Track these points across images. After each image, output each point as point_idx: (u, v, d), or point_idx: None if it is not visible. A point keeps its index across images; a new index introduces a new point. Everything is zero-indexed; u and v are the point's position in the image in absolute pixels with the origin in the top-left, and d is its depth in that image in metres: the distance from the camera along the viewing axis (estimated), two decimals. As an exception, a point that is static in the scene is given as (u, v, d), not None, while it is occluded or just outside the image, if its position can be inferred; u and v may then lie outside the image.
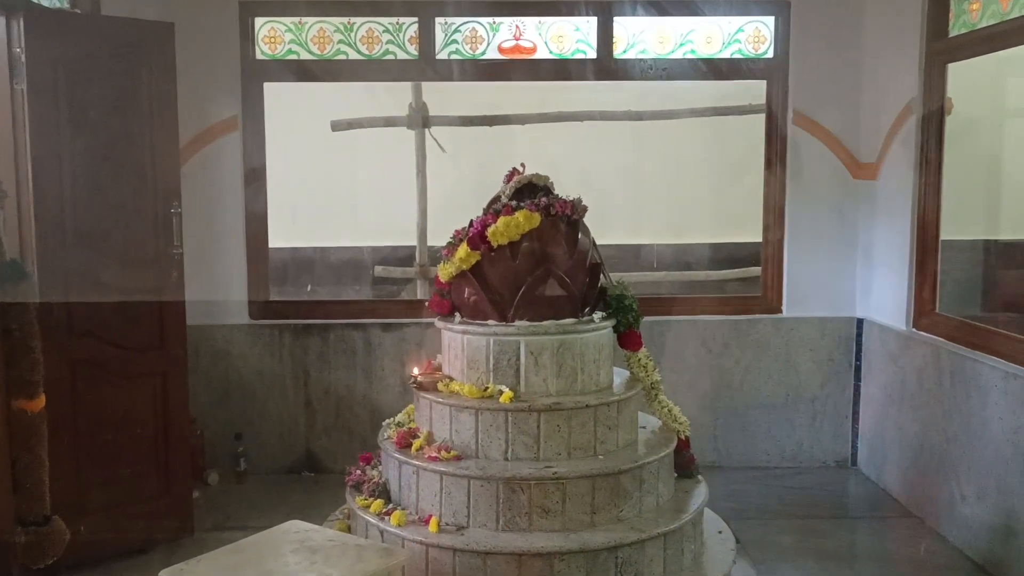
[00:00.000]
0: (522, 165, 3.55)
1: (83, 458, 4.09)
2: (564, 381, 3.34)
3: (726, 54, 5.69)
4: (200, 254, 5.31)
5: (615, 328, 3.58)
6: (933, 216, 5.06)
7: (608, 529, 3.14)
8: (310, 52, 5.60)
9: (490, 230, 3.30)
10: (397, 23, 5.59)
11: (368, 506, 3.36)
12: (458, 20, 5.59)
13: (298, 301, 6.14)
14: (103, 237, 4.28)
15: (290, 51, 5.60)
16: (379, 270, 7.11)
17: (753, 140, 5.88)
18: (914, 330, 5.13)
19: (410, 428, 3.53)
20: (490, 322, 3.40)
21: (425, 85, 6.37)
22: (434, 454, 3.25)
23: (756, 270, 6.68)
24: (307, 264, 7.22)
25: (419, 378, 3.48)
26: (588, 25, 5.63)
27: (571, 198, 3.48)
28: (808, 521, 4.98)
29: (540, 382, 3.32)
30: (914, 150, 5.11)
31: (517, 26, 5.61)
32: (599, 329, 3.45)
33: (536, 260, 3.34)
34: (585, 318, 3.49)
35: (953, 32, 4.90)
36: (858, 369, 5.75)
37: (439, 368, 3.67)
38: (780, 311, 5.78)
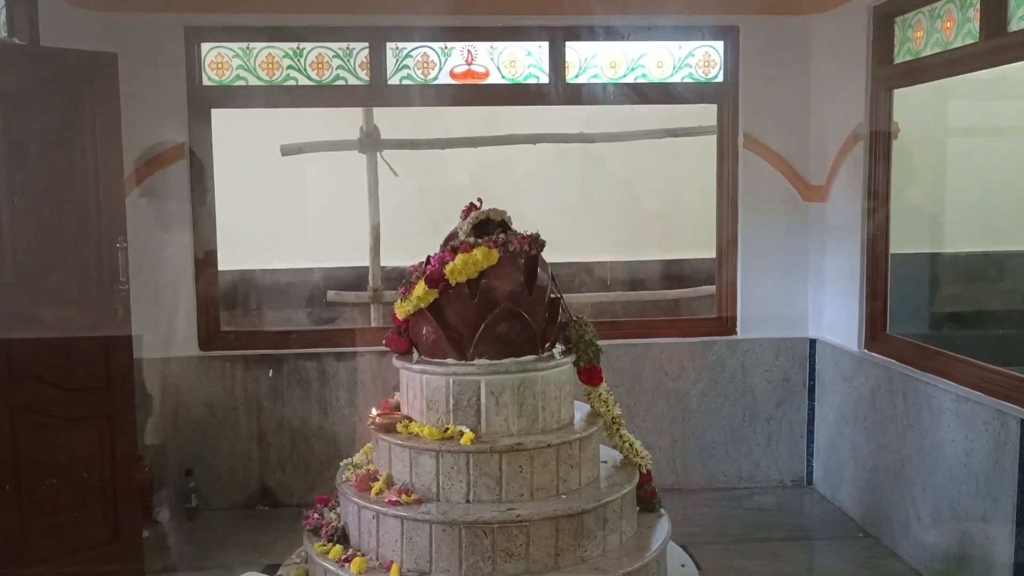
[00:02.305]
0: (479, 200, 3.51)
1: (25, 507, 3.93)
2: (525, 420, 3.30)
3: (677, 78, 5.72)
4: (147, 285, 5.17)
5: (575, 363, 3.55)
6: (882, 238, 5.14)
7: (572, 571, 3.10)
8: (259, 78, 5.50)
9: (448, 268, 3.25)
10: (347, 48, 5.52)
11: (327, 552, 3.27)
12: (409, 45, 5.55)
13: (250, 331, 6.02)
14: (45, 274, 4.13)
15: (238, 77, 5.50)
16: (332, 295, 7.00)
17: (705, 161, 5.92)
18: (866, 351, 5.19)
19: (369, 470, 3.45)
20: (449, 361, 3.34)
21: (377, 109, 6.29)
22: (394, 498, 3.18)
23: (709, 289, 6.74)
24: (257, 288, 7.09)
25: (378, 419, 3.40)
26: (540, 50, 5.63)
27: (529, 233, 3.45)
28: (768, 544, 5.00)
29: (501, 422, 3.27)
30: (862, 173, 5.18)
31: (469, 51, 5.58)
32: (560, 366, 3.41)
33: (495, 298, 3.29)
34: (545, 355, 3.46)
35: (898, 59, 4.98)
36: (812, 389, 5.81)
37: (397, 407, 3.60)
38: (735, 332, 5.81)
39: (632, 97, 5.72)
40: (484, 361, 3.30)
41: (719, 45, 5.71)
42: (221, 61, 5.49)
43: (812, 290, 5.78)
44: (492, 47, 5.60)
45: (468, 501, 3.17)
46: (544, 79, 5.64)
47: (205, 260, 5.52)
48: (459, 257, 3.27)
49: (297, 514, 5.26)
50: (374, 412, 3.48)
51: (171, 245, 5.42)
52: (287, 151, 6.48)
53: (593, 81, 5.66)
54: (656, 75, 5.71)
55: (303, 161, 6.57)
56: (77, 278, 4.23)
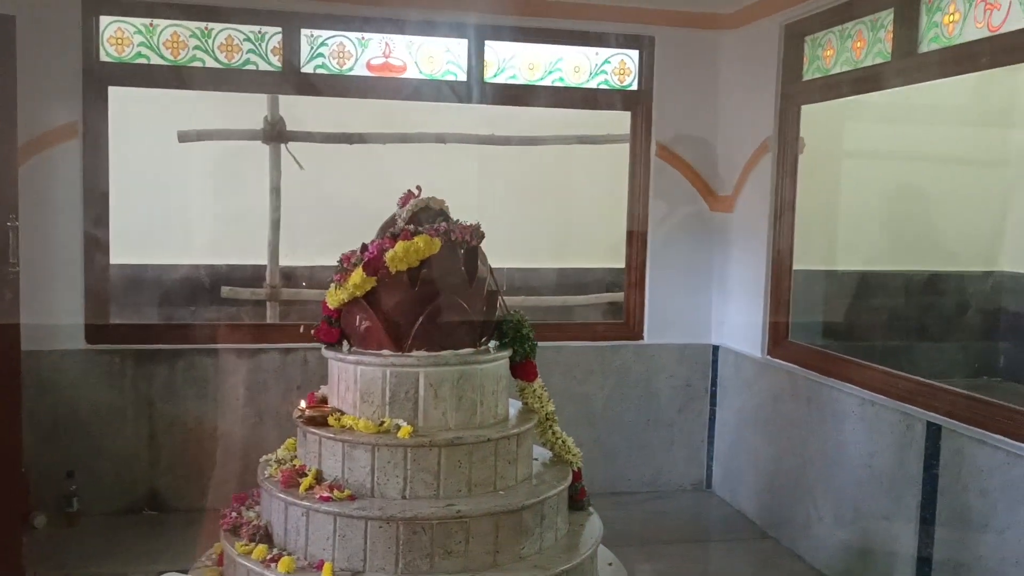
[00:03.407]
0: (418, 188, 3.41)
1: None
2: (464, 414, 3.21)
3: (593, 84, 5.77)
4: (30, 272, 4.77)
5: (511, 358, 3.48)
6: (787, 249, 5.31)
7: (511, 569, 3.02)
8: (162, 57, 5.20)
9: (388, 255, 3.13)
10: (259, 32, 5.29)
11: (250, 552, 3.08)
12: (325, 33, 5.37)
13: (143, 325, 5.66)
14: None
15: (139, 54, 5.19)
16: (226, 291, 6.68)
17: (615, 169, 5.98)
18: (769, 357, 5.35)
19: (295, 466, 3.28)
20: (384, 352, 3.21)
21: (282, 99, 6.07)
22: (326, 494, 3.03)
23: (608, 296, 6.82)
24: (143, 283, 6.68)
25: (307, 412, 3.24)
26: (459, 47, 5.56)
27: (470, 223, 3.37)
28: (672, 546, 5.06)
29: (439, 415, 3.17)
30: (769, 186, 5.35)
31: (387, 43, 5.46)
32: (498, 359, 3.34)
33: (435, 288, 3.20)
34: (483, 348, 3.38)
35: (807, 76, 5.18)
36: (713, 394, 5.94)
37: (324, 401, 3.44)
38: (642, 338, 5.88)
39: (548, 100, 5.73)
40: (422, 353, 3.19)
41: (634, 54, 5.79)
42: (121, 36, 5.17)
43: (716, 297, 5.92)
44: (411, 41, 5.49)
45: (404, 497, 3.05)
46: (462, 76, 5.57)
47: (95, 248, 5.16)
48: (399, 244, 3.16)
49: (187, 520, 5.04)
50: (303, 404, 3.31)
51: (58, 230, 5.04)
52: (185, 137, 6.16)
53: (511, 82, 5.64)
54: (573, 80, 5.74)
55: (201, 150, 6.26)
56: (-40, 257, 3.86)
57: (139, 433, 5.22)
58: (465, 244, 3.31)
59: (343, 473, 3.11)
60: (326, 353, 3.36)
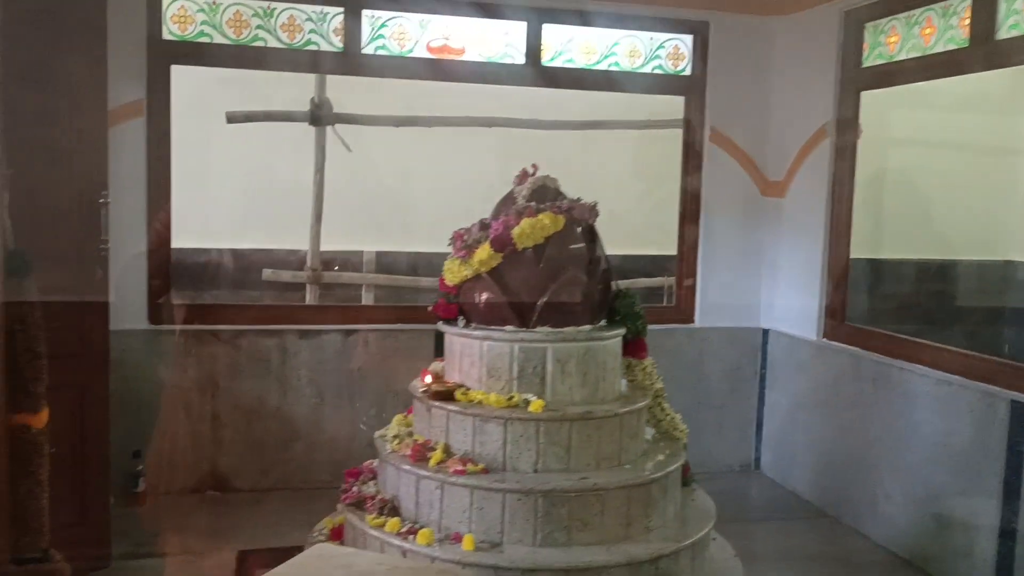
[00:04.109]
0: (533, 166, 3.43)
1: None
2: (588, 390, 3.25)
3: (647, 69, 5.80)
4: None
5: (623, 336, 3.52)
6: (844, 234, 5.39)
7: (644, 540, 3.07)
8: (225, 36, 5.16)
9: (516, 232, 3.15)
10: (321, 12, 5.27)
11: (382, 525, 3.10)
12: (386, 14, 5.36)
13: (206, 305, 5.62)
14: (19, 230, 3.70)
15: (202, 33, 5.15)
16: (268, 273, 6.65)
17: (655, 156, 6.01)
18: (826, 340, 5.43)
19: (415, 441, 3.29)
20: (508, 328, 3.24)
21: (334, 81, 6.04)
22: (459, 467, 3.05)
23: (646, 281, 6.83)
24: (188, 266, 6.61)
25: (433, 387, 3.25)
26: (518, 30, 5.57)
27: (588, 201, 3.39)
28: (731, 525, 5.10)
29: (566, 391, 3.21)
30: (827, 172, 5.42)
31: (447, 25, 5.45)
32: (616, 336, 3.38)
33: (560, 264, 3.23)
34: (600, 325, 3.41)
35: (867, 63, 5.25)
36: (763, 377, 6.02)
37: (438, 376, 3.46)
38: (693, 321, 5.94)
39: (604, 85, 5.75)
40: (547, 329, 3.22)
41: (688, 39, 5.84)
42: (184, 14, 5.12)
43: (765, 282, 5.99)
44: (470, 23, 5.49)
45: (536, 471, 3.09)
46: (520, 59, 5.58)
47: (159, 229, 5.13)
48: (525, 221, 3.18)
49: (249, 499, 5.05)
50: (428, 379, 3.33)
51: (122, 207, 4.98)
52: (233, 118, 6.12)
53: (568, 66, 5.66)
54: (628, 64, 5.77)
55: (251, 131, 6.22)
56: (54, 234, 3.81)
57: (203, 413, 5.20)
58: (583, 222, 3.34)
59: (473, 447, 3.13)
60: (447, 329, 3.38)
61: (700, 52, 5.83)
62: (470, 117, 6.43)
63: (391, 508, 3.19)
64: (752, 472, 6.05)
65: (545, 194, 3.34)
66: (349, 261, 7.04)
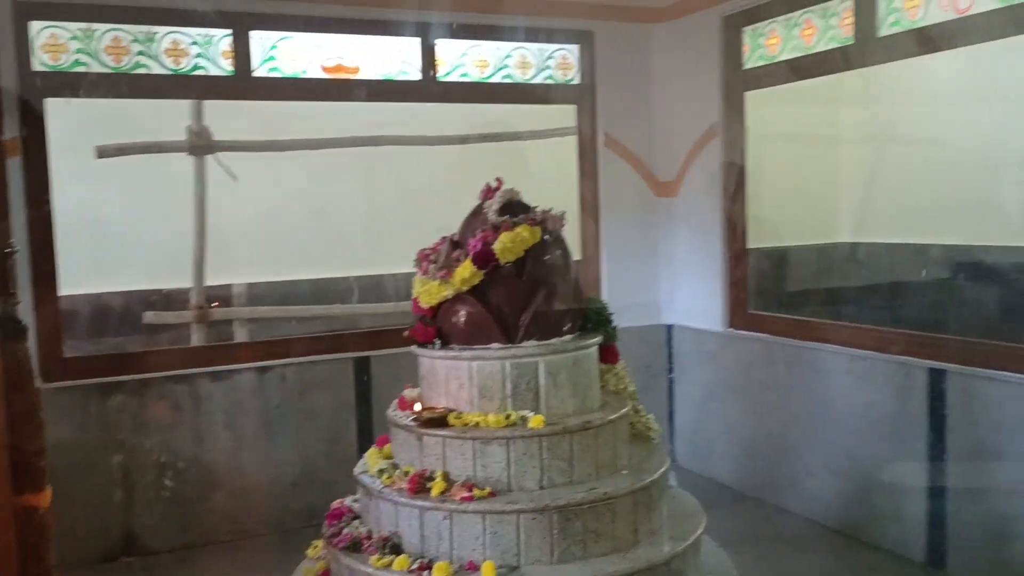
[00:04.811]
0: (497, 180, 3.39)
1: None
2: (578, 400, 3.23)
3: (539, 79, 5.87)
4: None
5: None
6: (740, 227, 5.66)
7: (654, 543, 3.09)
8: (103, 64, 4.79)
9: (497, 247, 3.10)
10: (207, 35, 4.99)
11: (389, 565, 2.95)
12: (275, 35, 5.15)
13: (104, 355, 5.16)
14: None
15: (78, 62, 4.76)
16: (150, 316, 6.21)
17: (567, 162, 6.10)
18: (732, 330, 5.68)
19: (408, 472, 3.16)
20: (495, 345, 3.18)
21: (214, 107, 5.74)
22: (466, 494, 2.96)
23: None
24: (84, 315, 6.06)
25: (424, 415, 3.14)
26: (411, 46, 5.49)
27: (555, 211, 3.39)
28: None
29: (559, 403, 3.18)
30: (719, 169, 5.67)
31: (341, 44, 5.30)
32: (596, 343, 3.39)
33: (541, 276, 3.20)
34: (580, 334, 3.41)
35: (748, 64, 5.54)
36: (671, 372, 6.21)
37: (416, 402, 3.35)
38: (603, 324, 6.04)
39: (499, 97, 5.77)
40: (533, 343, 3.18)
41: (575, 48, 5.95)
42: (56, 43, 4.72)
43: (665, 279, 6.19)
44: (363, 41, 5.37)
45: (542, 487, 3.04)
46: (415, 75, 5.50)
47: (42, 278, 4.69)
48: (505, 235, 3.13)
49: (171, 561, 4.70)
50: (417, 407, 3.21)
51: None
52: (104, 152, 5.68)
53: (463, 80, 5.64)
54: (520, 76, 5.82)
55: (122, 165, 5.78)
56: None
57: (109, 472, 4.78)
58: (555, 232, 3.33)
59: (475, 471, 3.04)
60: (428, 353, 3.26)
61: (587, 61, 5.96)
62: (356, 137, 6.26)
63: (393, 546, 3.05)
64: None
65: (514, 207, 3.31)
66: (219, 295, 6.60)
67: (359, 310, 6.49)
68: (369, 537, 3.11)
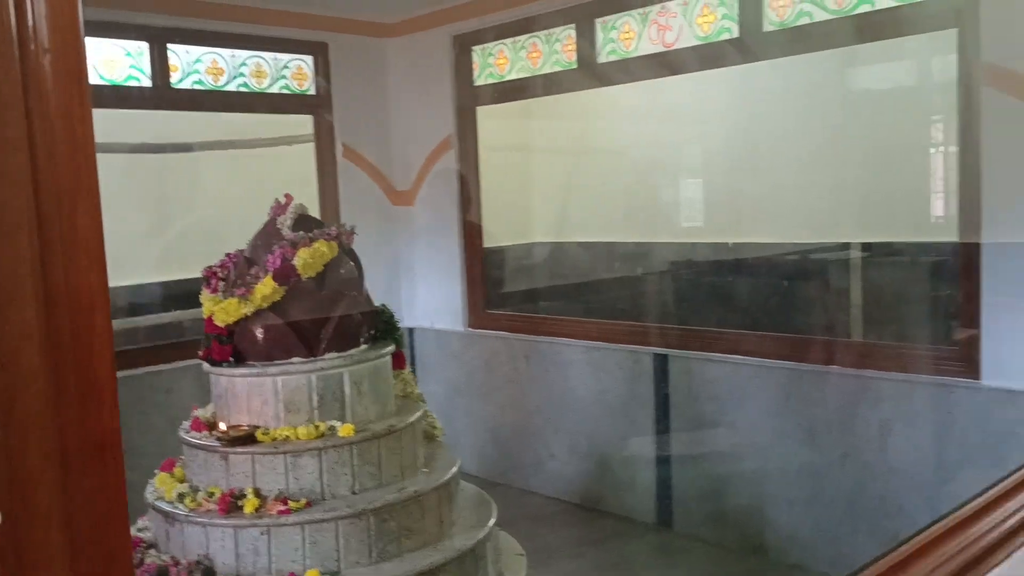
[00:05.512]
0: (286, 196, 3.43)
1: None
2: (380, 406, 3.38)
3: (275, 88, 5.85)
4: None
5: (387, 349, 3.69)
6: (477, 233, 6.06)
7: (458, 533, 3.32)
8: None
9: (299, 263, 3.17)
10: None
11: (207, 589, 2.91)
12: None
13: None
14: None
15: None
16: None
17: (304, 172, 6.12)
18: (471, 329, 6.06)
19: (215, 493, 3.12)
20: (296, 359, 3.24)
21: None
22: (282, 507, 3.00)
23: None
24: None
25: (231, 434, 3.11)
26: (140, 50, 5.24)
27: (346, 226, 3.50)
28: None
29: (363, 410, 3.30)
30: (455, 179, 6.03)
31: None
32: (391, 351, 3.56)
33: (339, 289, 3.31)
34: (374, 343, 3.55)
35: (479, 81, 5.95)
36: (414, 372, 6.45)
37: (212, 422, 3.31)
38: (347, 331, 6.15)
39: (234, 106, 5.68)
40: (335, 354, 3.29)
41: (310, 59, 6.00)
42: None
43: (405, 284, 6.44)
44: (88, 43, 5.02)
45: (354, 492, 3.15)
46: (147, 82, 5.27)
47: None
48: (303, 251, 3.20)
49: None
50: (223, 427, 3.16)
51: None
52: None
53: (196, 88, 5.48)
54: (256, 84, 5.76)
55: None
56: None
57: None
58: (348, 246, 3.45)
59: (287, 484, 3.09)
60: (227, 372, 3.23)
61: (322, 71, 6.02)
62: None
63: (205, 569, 3.01)
64: (416, 462, 6.46)
65: (307, 222, 3.38)
66: None
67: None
68: (176, 564, 3.04)
